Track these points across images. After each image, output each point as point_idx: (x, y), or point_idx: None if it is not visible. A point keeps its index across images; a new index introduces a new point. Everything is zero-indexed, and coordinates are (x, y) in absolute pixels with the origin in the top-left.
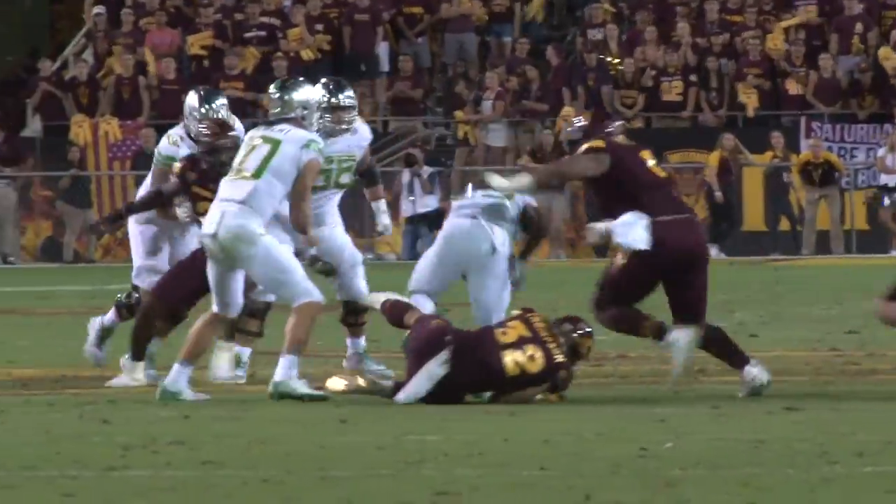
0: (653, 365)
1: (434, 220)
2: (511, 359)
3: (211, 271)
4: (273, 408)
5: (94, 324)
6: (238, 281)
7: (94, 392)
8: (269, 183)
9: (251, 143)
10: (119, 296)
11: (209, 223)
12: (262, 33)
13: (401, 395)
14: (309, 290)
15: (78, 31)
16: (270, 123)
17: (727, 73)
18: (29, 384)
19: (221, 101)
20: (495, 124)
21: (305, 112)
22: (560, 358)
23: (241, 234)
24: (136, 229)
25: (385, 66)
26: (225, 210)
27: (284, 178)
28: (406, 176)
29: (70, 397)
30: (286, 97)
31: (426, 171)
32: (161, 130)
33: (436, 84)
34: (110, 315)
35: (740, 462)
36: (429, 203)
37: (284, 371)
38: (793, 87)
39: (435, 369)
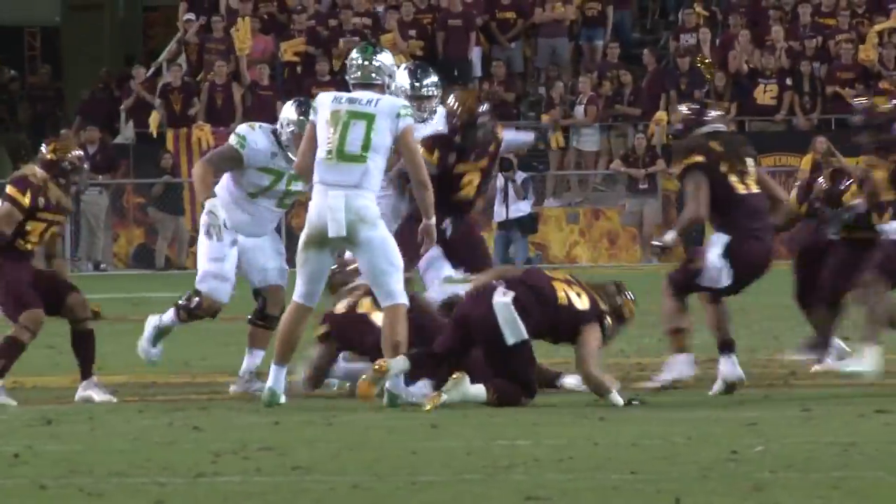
0: (744, 368)
1: (527, 224)
2: (561, 288)
3: (307, 260)
4: (363, 413)
5: (152, 321)
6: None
7: (184, 399)
8: (374, 161)
9: (338, 118)
10: (180, 299)
11: (333, 208)
12: (355, 38)
13: (508, 337)
14: (403, 292)
15: (171, 38)
16: (347, 91)
17: (820, 76)
18: (119, 391)
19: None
20: (587, 129)
21: (389, 80)
22: (604, 307)
23: (365, 216)
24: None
25: (478, 71)
26: (346, 193)
27: (384, 153)
28: (500, 181)
29: (160, 404)
30: (372, 62)
31: (520, 176)
32: None
33: (529, 88)
34: (169, 315)
35: (831, 465)
36: (522, 208)
37: (396, 380)
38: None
39: (501, 300)
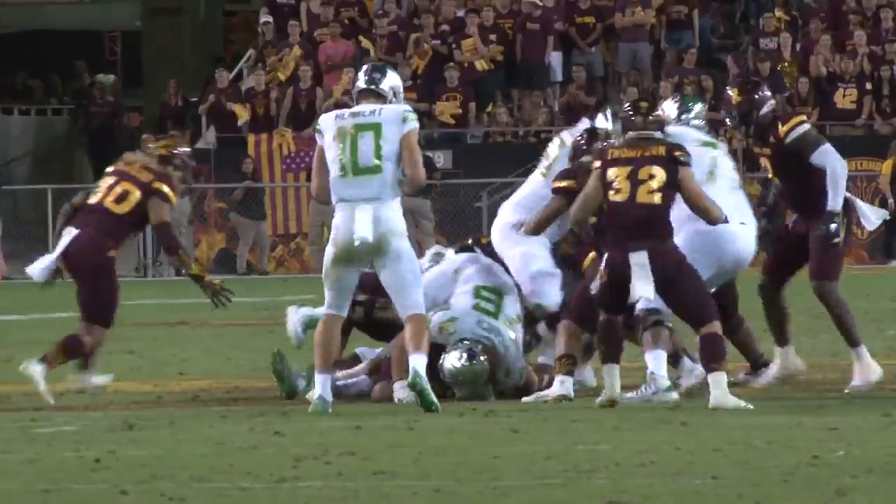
0: (826, 373)
1: None
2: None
3: (337, 277)
4: (444, 418)
5: (303, 310)
6: None
7: (266, 403)
8: (388, 171)
9: (344, 133)
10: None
11: (362, 220)
12: (437, 42)
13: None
14: (424, 303)
15: (252, 42)
16: (348, 107)
17: None
18: (201, 395)
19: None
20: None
21: (393, 98)
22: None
23: (395, 228)
24: None
25: (558, 75)
26: (373, 206)
27: (396, 159)
28: None
29: (242, 408)
30: (381, 76)
31: None
32: None
33: (609, 93)
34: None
35: None
36: None
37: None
38: None
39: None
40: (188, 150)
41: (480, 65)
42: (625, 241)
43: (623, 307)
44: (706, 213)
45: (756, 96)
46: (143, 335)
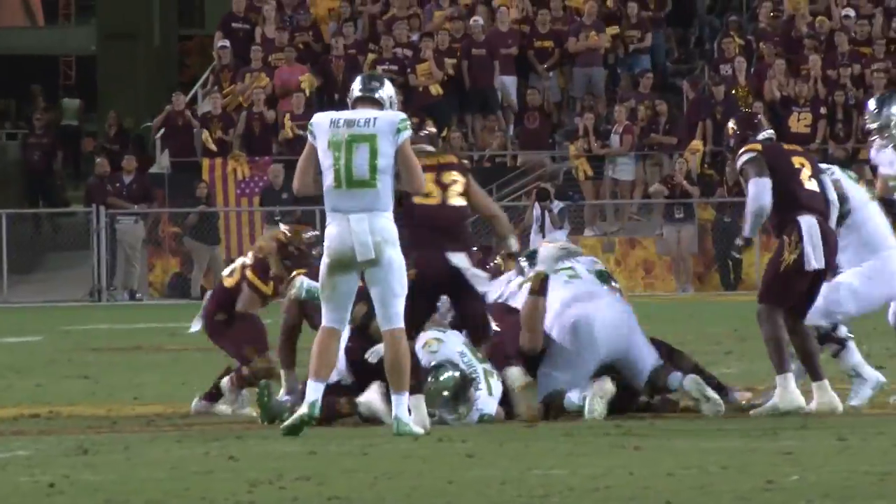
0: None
1: None
2: None
3: (334, 286)
4: (399, 443)
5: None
6: None
7: (220, 428)
8: (383, 182)
9: (339, 143)
10: None
11: (358, 231)
12: (394, 67)
13: None
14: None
15: (207, 66)
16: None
17: (854, 104)
18: (155, 420)
19: None
20: (623, 158)
21: (389, 105)
22: None
23: (389, 237)
24: None
25: (512, 98)
26: (367, 216)
27: (391, 170)
28: (537, 210)
29: (197, 433)
30: (377, 83)
31: (556, 205)
32: (289, 167)
33: (564, 118)
34: None
35: (868, 494)
36: (558, 237)
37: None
38: None
39: None
40: (314, 234)
41: (434, 89)
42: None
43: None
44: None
45: (751, 126)
46: (98, 360)
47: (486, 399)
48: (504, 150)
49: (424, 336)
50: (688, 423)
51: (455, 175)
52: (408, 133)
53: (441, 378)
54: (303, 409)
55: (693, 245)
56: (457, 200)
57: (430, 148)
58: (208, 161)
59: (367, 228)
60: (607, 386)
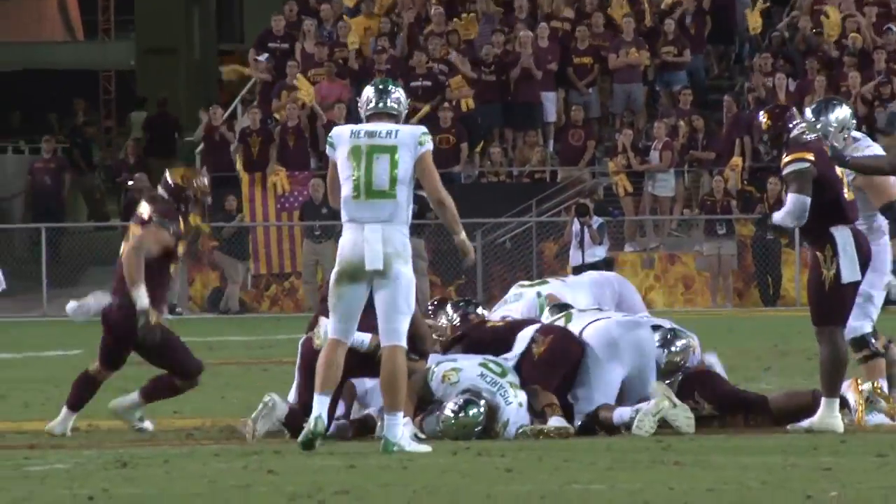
0: None
1: (602, 269)
2: None
3: (341, 296)
4: (438, 457)
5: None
6: None
7: (259, 442)
8: (402, 194)
9: (359, 154)
10: None
11: (371, 240)
12: (428, 83)
13: None
14: (405, 334)
15: (246, 81)
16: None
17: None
18: (194, 434)
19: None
20: (662, 174)
21: (404, 113)
22: None
23: (402, 252)
24: None
25: (552, 115)
26: (382, 227)
27: (410, 182)
28: (576, 225)
29: (236, 447)
30: (390, 94)
31: (595, 221)
32: None
33: (604, 133)
34: None
35: None
36: (597, 253)
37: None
38: None
39: None
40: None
41: (466, 104)
42: None
43: None
44: None
45: (784, 119)
46: (138, 374)
47: (518, 412)
48: (543, 165)
49: (439, 370)
50: (727, 439)
51: None
52: (429, 146)
53: (470, 413)
54: (309, 424)
55: (733, 261)
56: None
57: None
58: (247, 175)
59: (381, 238)
60: (664, 404)
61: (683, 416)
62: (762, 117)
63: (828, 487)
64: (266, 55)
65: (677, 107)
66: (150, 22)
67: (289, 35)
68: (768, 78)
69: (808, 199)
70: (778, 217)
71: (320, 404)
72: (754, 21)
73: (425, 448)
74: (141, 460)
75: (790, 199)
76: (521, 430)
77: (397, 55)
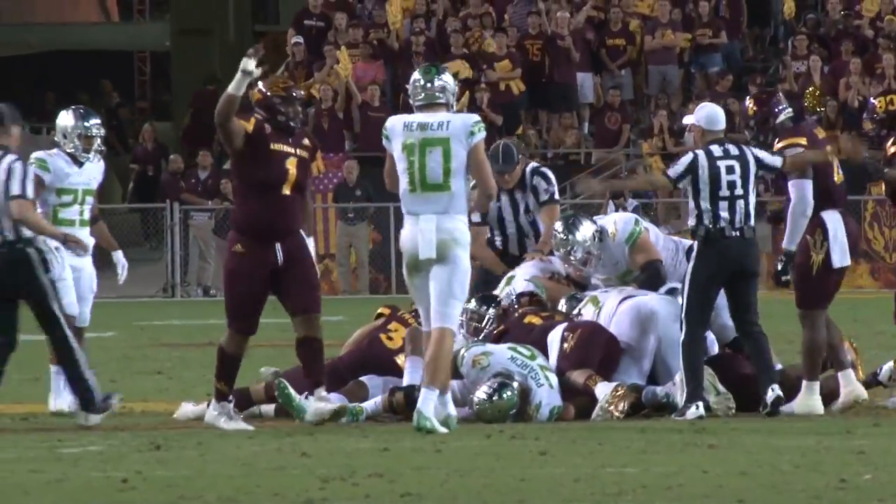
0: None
1: None
2: None
3: (412, 287)
4: (471, 440)
5: None
6: None
7: (293, 424)
8: (457, 185)
9: (412, 147)
10: None
11: (424, 230)
12: (465, 62)
13: None
14: (457, 321)
15: (281, 62)
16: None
17: None
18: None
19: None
20: None
21: (452, 99)
22: None
23: (458, 238)
24: None
25: (590, 96)
26: (438, 216)
27: (464, 172)
28: (611, 207)
29: (269, 429)
30: (435, 83)
31: (631, 203)
32: (364, 162)
33: (640, 115)
34: None
35: None
36: None
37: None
38: None
39: None
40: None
41: (517, 86)
42: None
43: None
44: None
45: (770, 104)
46: (171, 356)
47: (550, 393)
48: (578, 147)
49: (469, 355)
50: (761, 422)
51: None
52: (482, 135)
53: (504, 396)
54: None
55: (767, 243)
56: None
57: None
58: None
59: (434, 227)
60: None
61: (726, 405)
62: (748, 103)
63: (861, 470)
64: (301, 38)
65: (714, 90)
66: (185, 3)
67: (324, 15)
68: (803, 61)
69: (810, 182)
70: (789, 232)
71: (426, 398)
72: (789, 4)
73: (446, 427)
74: (174, 443)
75: (792, 185)
76: (555, 411)
77: (433, 37)
